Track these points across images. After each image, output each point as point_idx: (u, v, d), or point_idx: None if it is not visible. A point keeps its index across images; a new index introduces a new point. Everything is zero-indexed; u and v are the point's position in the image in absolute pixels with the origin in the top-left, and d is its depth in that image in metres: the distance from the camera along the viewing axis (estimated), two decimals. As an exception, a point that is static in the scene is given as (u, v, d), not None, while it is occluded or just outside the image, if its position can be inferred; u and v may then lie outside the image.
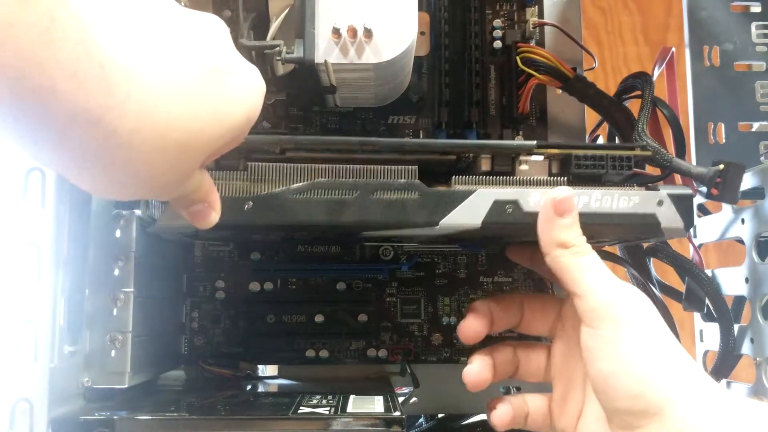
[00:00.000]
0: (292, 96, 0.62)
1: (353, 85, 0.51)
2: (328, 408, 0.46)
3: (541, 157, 0.47)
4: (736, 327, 0.61)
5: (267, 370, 0.64)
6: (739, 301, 0.64)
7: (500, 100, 0.63)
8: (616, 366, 0.41)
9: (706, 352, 0.70)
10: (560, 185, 0.45)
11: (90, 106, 0.25)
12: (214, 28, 0.33)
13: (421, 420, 0.67)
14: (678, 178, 0.53)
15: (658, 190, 0.46)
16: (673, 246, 0.61)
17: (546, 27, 0.64)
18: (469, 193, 0.44)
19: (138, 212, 0.47)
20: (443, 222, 0.44)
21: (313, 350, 0.63)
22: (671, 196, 0.46)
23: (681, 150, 0.56)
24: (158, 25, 0.29)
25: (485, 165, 0.46)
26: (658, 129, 0.54)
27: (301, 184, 0.43)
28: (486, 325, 0.48)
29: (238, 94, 0.33)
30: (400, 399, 0.57)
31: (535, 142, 0.46)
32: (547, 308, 0.49)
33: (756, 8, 0.72)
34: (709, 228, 0.68)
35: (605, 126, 0.61)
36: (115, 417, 0.43)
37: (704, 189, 0.50)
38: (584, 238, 0.44)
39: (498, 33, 0.63)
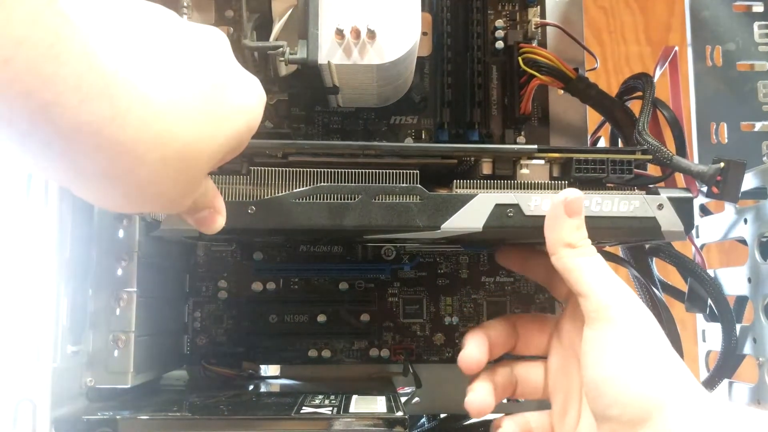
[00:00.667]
0: (295, 96, 0.62)
1: (356, 85, 0.51)
2: (331, 408, 0.46)
3: (542, 161, 0.47)
4: (738, 327, 0.61)
5: (269, 369, 0.64)
6: (742, 301, 0.64)
7: (502, 101, 0.63)
8: (608, 372, 0.41)
9: (708, 353, 0.70)
10: (561, 189, 0.45)
11: (93, 117, 0.25)
12: (215, 40, 0.33)
13: (423, 420, 0.67)
14: (680, 178, 0.53)
15: (659, 193, 0.46)
16: (676, 246, 0.61)
17: (548, 27, 0.64)
18: (470, 197, 0.44)
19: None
20: (445, 226, 0.44)
21: (315, 350, 0.63)
22: (671, 199, 0.46)
23: (681, 151, 0.56)
24: (159, 37, 0.30)
25: (486, 168, 0.46)
26: (659, 130, 0.54)
27: (303, 188, 0.43)
28: (485, 353, 0.48)
29: (239, 104, 0.33)
30: (403, 399, 0.57)
31: (536, 147, 0.46)
32: (542, 326, 0.50)
33: (758, 8, 0.72)
34: (711, 228, 0.68)
35: (607, 126, 0.61)
36: (117, 417, 0.43)
37: (705, 188, 0.50)
38: (590, 240, 0.44)
39: (500, 33, 0.63)
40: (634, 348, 0.41)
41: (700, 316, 0.71)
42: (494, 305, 0.64)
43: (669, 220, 0.45)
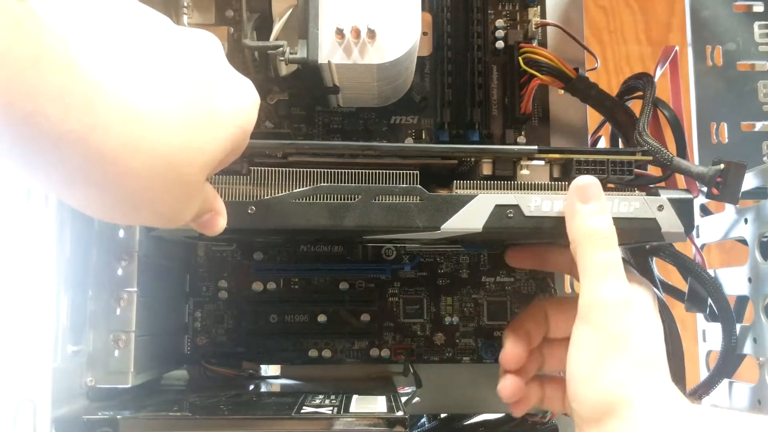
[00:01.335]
0: (295, 96, 0.62)
1: (356, 85, 0.51)
2: (331, 408, 0.46)
3: (542, 162, 0.47)
4: (738, 327, 0.61)
5: (270, 369, 0.64)
6: (742, 301, 0.64)
7: (503, 101, 0.63)
8: (573, 368, 0.42)
9: (708, 352, 0.70)
10: (562, 190, 0.45)
11: (76, 126, 0.25)
12: (205, 44, 0.33)
13: (424, 420, 0.67)
14: (680, 178, 0.53)
15: (659, 194, 0.46)
16: (676, 246, 0.61)
17: (548, 27, 0.64)
18: (470, 198, 0.44)
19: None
20: (444, 226, 0.44)
21: (315, 350, 0.63)
22: (671, 200, 0.46)
23: (682, 151, 0.56)
24: (145, 44, 0.30)
25: (486, 169, 0.46)
26: (660, 130, 0.54)
27: (303, 188, 0.43)
28: (525, 346, 0.49)
29: (231, 108, 0.33)
30: (403, 399, 0.57)
31: (536, 147, 0.46)
32: (569, 310, 0.50)
33: (759, 8, 0.72)
34: (711, 228, 0.68)
35: (607, 126, 0.61)
36: (118, 416, 0.43)
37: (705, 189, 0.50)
38: (610, 230, 0.44)
39: (500, 33, 0.63)
40: (602, 350, 0.42)
41: (700, 316, 0.70)
42: (495, 305, 0.64)
43: (669, 221, 0.45)
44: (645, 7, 1.22)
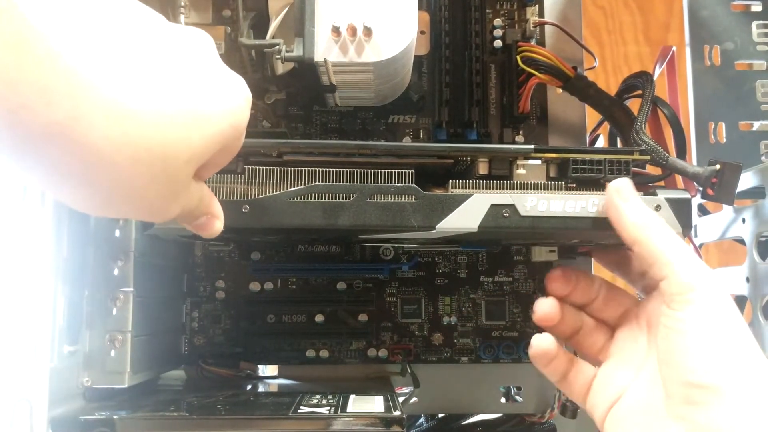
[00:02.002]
0: (292, 95, 0.62)
1: (353, 83, 0.51)
2: (328, 408, 0.46)
3: (538, 161, 0.47)
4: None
5: (267, 369, 0.64)
6: (740, 300, 0.63)
7: (501, 100, 0.63)
8: (694, 344, 0.41)
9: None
10: (558, 189, 0.45)
11: (59, 118, 0.25)
12: (196, 41, 0.33)
13: (422, 420, 0.67)
14: (680, 177, 0.53)
15: (656, 194, 0.46)
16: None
17: (546, 26, 0.64)
18: (465, 197, 0.44)
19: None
20: (440, 226, 0.44)
21: (313, 350, 0.63)
22: (669, 200, 0.46)
23: (681, 149, 0.56)
24: (132, 38, 0.29)
25: (483, 168, 0.46)
26: (659, 128, 0.54)
27: (298, 187, 0.43)
28: (568, 287, 0.49)
29: (221, 104, 0.32)
30: (401, 399, 0.57)
31: (532, 146, 0.46)
32: (622, 299, 0.50)
33: (757, 7, 0.72)
34: (709, 228, 0.68)
35: (606, 125, 0.61)
36: (115, 417, 0.43)
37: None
38: (657, 215, 0.44)
39: (498, 32, 0.63)
40: (710, 330, 0.41)
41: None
42: (493, 305, 0.64)
43: (667, 221, 0.45)
44: (643, 7, 1.22)
